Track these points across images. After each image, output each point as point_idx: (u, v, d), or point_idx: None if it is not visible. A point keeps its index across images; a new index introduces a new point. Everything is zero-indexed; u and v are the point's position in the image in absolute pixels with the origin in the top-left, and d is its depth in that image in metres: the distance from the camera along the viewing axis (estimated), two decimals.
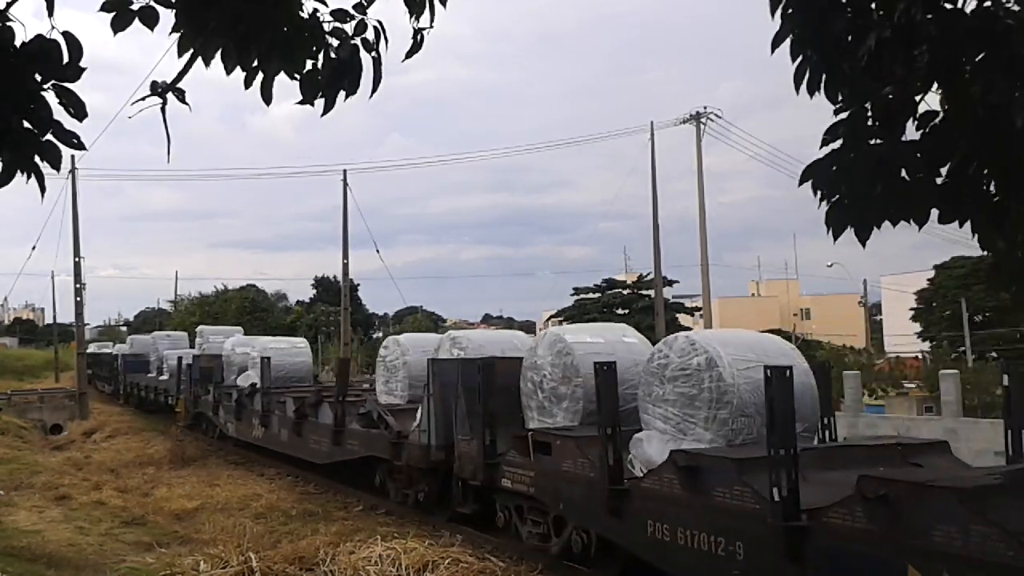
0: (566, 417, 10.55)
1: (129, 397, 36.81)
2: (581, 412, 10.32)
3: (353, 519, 13.57)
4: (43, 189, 3.44)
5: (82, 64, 3.29)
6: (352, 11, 3.62)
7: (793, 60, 3.11)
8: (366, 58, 3.64)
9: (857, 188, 3.05)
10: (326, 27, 3.60)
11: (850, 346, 45.51)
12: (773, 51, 3.12)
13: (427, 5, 3.63)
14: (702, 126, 38.55)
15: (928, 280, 53.76)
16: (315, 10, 3.58)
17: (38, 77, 3.27)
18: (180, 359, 27.02)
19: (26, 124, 3.31)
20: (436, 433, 12.22)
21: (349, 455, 15.23)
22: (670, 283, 53.31)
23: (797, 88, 3.12)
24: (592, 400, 9.49)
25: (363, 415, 14.82)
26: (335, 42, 3.61)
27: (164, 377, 30.77)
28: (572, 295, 60.48)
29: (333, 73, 3.60)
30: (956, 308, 46.54)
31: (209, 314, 57.40)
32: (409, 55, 3.75)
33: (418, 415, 12.86)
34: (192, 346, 31.72)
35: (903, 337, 54.15)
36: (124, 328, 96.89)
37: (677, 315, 54.97)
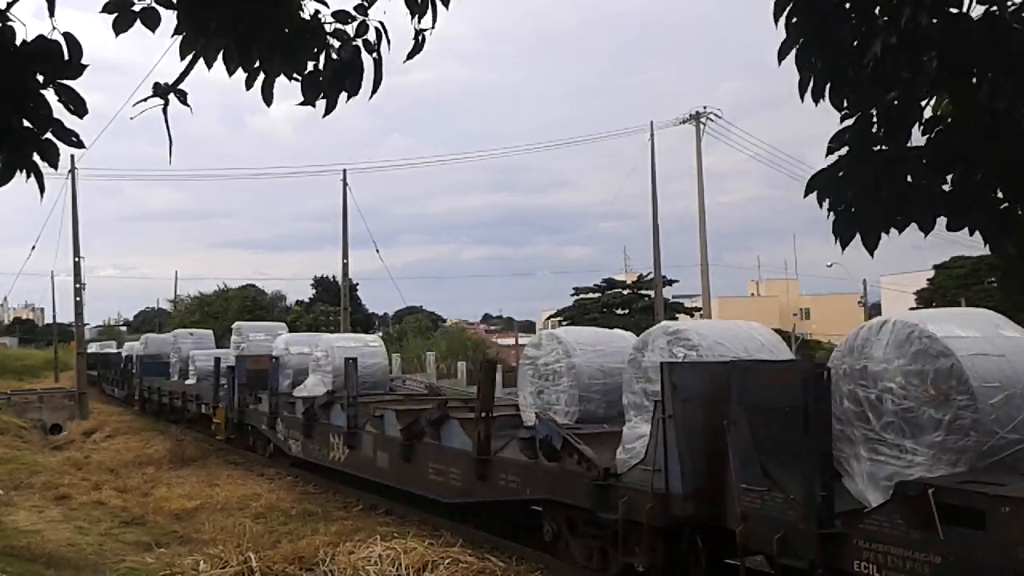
0: (936, 459, 6.60)
1: (146, 403, 32.31)
2: (971, 452, 6.45)
3: (353, 519, 13.56)
4: (42, 188, 3.44)
5: (84, 71, 3.29)
6: (353, 12, 3.62)
7: (800, 70, 3.09)
8: (367, 59, 3.64)
9: (862, 195, 3.03)
10: (327, 28, 3.60)
11: None
12: (780, 61, 3.09)
13: (429, 6, 3.62)
14: (702, 126, 38.62)
15: (928, 280, 53.84)
16: (316, 11, 3.58)
17: (39, 77, 3.27)
18: (218, 360, 22.78)
19: (26, 123, 3.30)
20: (682, 475, 8.21)
21: (504, 495, 10.89)
22: (670, 283, 53.42)
23: (802, 96, 3.10)
24: (991, 432, 6.38)
25: (527, 440, 10.39)
26: (336, 43, 3.61)
27: (191, 381, 26.44)
28: (572, 295, 60.58)
29: (334, 74, 3.59)
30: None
31: (209, 314, 57.46)
32: (411, 56, 3.75)
33: (631, 444, 9.11)
34: (221, 345, 28.75)
35: None
36: (124, 328, 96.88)
37: (677, 315, 55.01)
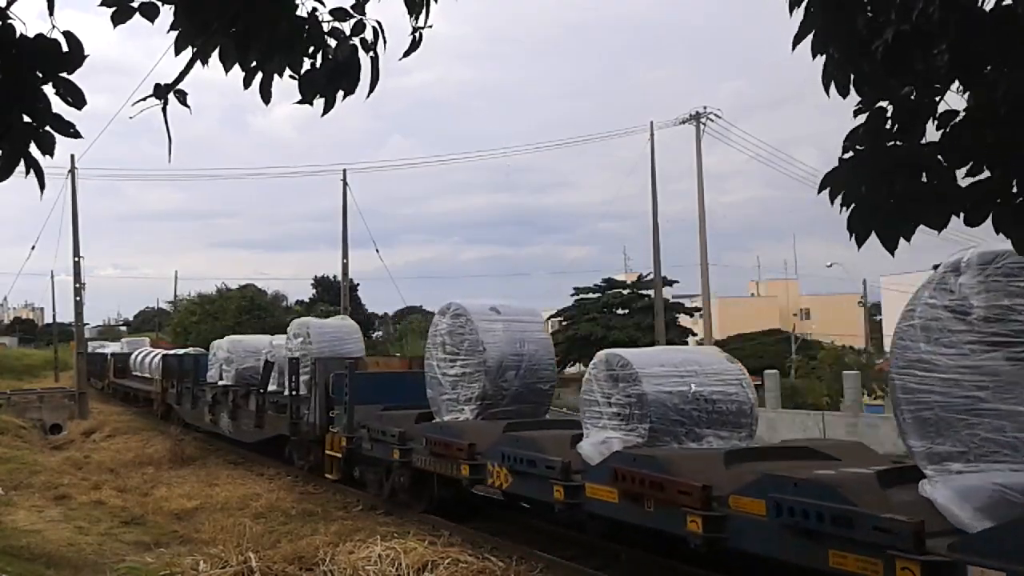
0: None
1: (355, 466, 14.91)
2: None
3: (353, 519, 13.55)
4: (42, 184, 3.42)
5: (84, 62, 3.29)
6: (350, 11, 3.61)
7: (814, 57, 3.06)
8: (364, 58, 3.63)
9: (876, 192, 2.98)
10: (324, 27, 3.59)
11: (850, 346, 45.52)
12: (794, 48, 3.05)
13: (424, 4, 3.62)
14: (702, 126, 38.63)
15: None
16: (314, 9, 3.57)
17: (39, 74, 3.26)
18: None
19: (26, 119, 3.30)
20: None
21: None
22: (670, 283, 53.32)
23: (826, 88, 3.05)
24: None
25: None
26: (333, 42, 3.60)
27: (635, 435, 9.38)
28: (572, 295, 60.48)
29: (331, 73, 3.58)
30: None
31: (209, 313, 57.41)
32: (407, 54, 3.74)
33: None
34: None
35: None
36: (124, 328, 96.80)
37: (677, 315, 55.00)
